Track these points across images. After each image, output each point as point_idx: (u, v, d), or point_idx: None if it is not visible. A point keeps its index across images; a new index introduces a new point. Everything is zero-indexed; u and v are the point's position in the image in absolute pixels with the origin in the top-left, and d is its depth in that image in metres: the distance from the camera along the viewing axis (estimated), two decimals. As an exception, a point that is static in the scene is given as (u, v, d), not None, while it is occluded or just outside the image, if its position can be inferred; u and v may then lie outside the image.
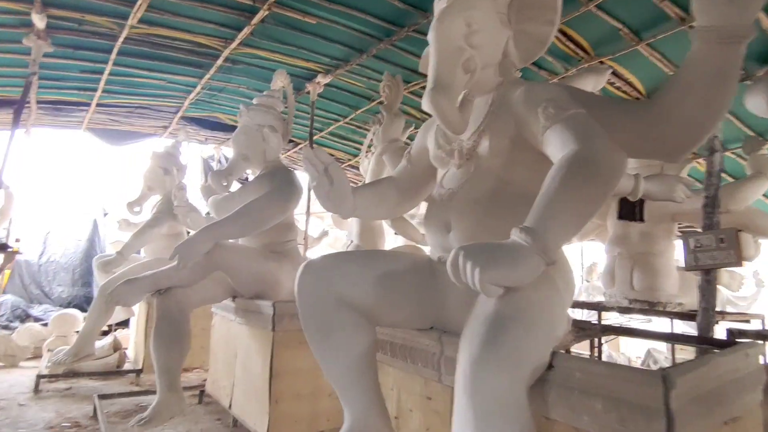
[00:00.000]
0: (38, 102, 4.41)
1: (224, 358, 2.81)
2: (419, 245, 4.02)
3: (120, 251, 3.56)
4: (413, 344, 1.36)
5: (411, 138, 4.15)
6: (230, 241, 2.43)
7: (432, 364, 1.29)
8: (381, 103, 4.77)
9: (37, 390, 2.97)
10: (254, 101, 2.78)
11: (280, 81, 2.89)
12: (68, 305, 6.02)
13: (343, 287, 1.25)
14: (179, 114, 5.06)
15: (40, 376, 3.05)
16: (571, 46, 3.04)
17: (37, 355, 4.19)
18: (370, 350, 1.30)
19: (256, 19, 3.09)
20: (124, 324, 5.09)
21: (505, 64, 1.34)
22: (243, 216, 2.29)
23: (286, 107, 2.86)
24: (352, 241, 4.04)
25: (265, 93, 2.83)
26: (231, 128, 5.52)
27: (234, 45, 3.47)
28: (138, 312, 4.07)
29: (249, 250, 2.47)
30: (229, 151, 6.72)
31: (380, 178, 1.70)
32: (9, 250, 2.78)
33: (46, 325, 5.48)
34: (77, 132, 5.54)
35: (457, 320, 1.26)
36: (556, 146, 1.07)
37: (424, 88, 1.41)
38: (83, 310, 6.17)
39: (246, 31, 3.25)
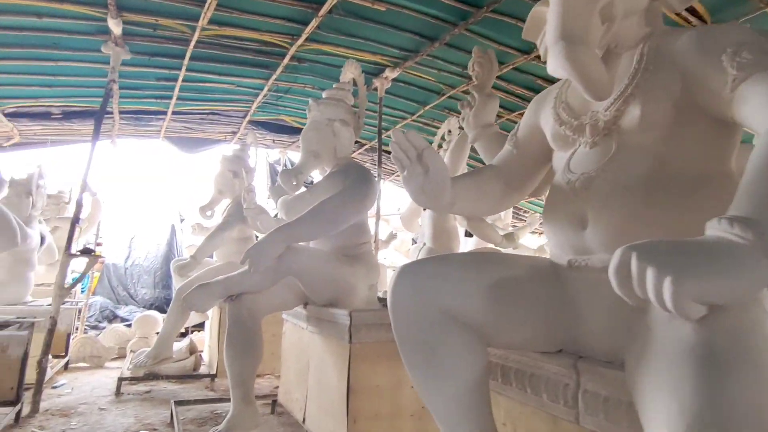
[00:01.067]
0: (120, 112, 4.61)
1: (296, 368, 2.66)
2: (499, 248, 3.69)
3: (193, 255, 3.57)
4: (535, 370, 1.08)
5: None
6: (302, 244, 2.27)
7: (564, 398, 1.00)
8: (451, 97, 4.53)
9: (118, 393, 3.01)
10: (324, 94, 2.62)
11: (350, 72, 2.71)
12: (150, 307, 6.31)
13: (449, 298, 0.99)
14: (247, 118, 5.09)
15: (121, 379, 3.09)
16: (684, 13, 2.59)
17: (121, 355, 4.35)
18: (483, 376, 1.04)
19: (323, 10, 2.94)
20: (200, 327, 5.20)
21: (653, 9, 1.03)
22: (317, 216, 2.11)
23: (357, 100, 2.68)
24: (424, 244, 3.80)
25: (334, 86, 2.67)
26: (297, 131, 5.50)
27: (300, 41, 3.36)
28: (212, 316, 4.09)
29: (321, 253, 2.29)
30: (294, 155, 6.74)
31: (481, 167, 1.42)
32: (92, 254, 2.82)
33: (130, 325, 5.77)
34: (156, 141, 5.81)
35: (599, 343, 0.97)
36: (761, 104, 0.76)
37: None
38: (164, 311, 6.46)
39: (313, 24, 3.12)
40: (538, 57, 3.35)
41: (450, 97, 4.33)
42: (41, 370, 2.69)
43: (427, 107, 4.58)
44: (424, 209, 3.89)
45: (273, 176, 6.90)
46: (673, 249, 0.61)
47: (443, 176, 1.12)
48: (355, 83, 2.74)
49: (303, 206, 2.39)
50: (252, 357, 2.26)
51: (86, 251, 2.85)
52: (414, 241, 6.58)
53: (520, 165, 1.32)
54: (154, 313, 4.58)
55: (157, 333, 4.79)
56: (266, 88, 4.26)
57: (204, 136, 5.72)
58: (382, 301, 2.69)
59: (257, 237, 3.86)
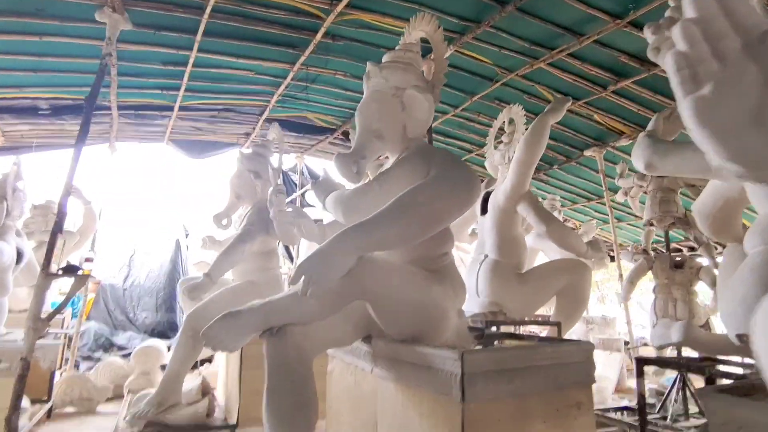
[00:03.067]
0: (120, 108, 3.98)
1: (354, 425, 1.96)
2: (582, 259, 3.00)
3: (208, 273, 2.88)
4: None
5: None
6: (377, 254, 1.59)
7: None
8: (507, 85, 3.88)
9: (113, 455, 2.30)
10: (386, 57, 1.97)
11: (420, 28, 2.06)
12: (152, 332, 5.59)
13: None
14: (264, 114, 4.46)
15: (117, 435, 2.38)
16: None
17: (117, 395, 3.63)
18: None
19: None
20: (208, 359, 4.48)
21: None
22: (405, 212, 1.43)
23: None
24: (486, 256, 3.11)
25: (399, 46, 2.03)
26: (320, 131, 4.87)
27: (340, 6, 2.73)
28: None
29: (404, 267, 1.61)
30: (311, 161, 6.10)
31: None
32: (79, 272, 2.15)
33: (129, 355, 5.04)
34: (159, 145, 5.18)
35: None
36: None
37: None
38: (167, 337, 5.73)
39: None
40: (631, 23, 2.75)
41: (505, 84, 3.70)
42: (11, 431, 1.99)
43: (475, 98, 3.95)
44: (482, 213, 3.23)
45: (288, 185, 6.24)
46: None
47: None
48: (426, 43, 2.10)
49: (370, 203, 1.72)
50: (305, 417, 1.57)
51: (70, 269, 2.17)
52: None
53: None
54: (157, 342, 3.87)
55: (162, 367, 4.08)
56: (291, 75, 3.63)
57: (214, 139, 5.09)
58: (474, 331, 2.00)
59: (288, 250, 3.18)
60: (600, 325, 5.80)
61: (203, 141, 5.12)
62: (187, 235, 6.53)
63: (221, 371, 3.55)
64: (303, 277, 1.40)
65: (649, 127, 2.08)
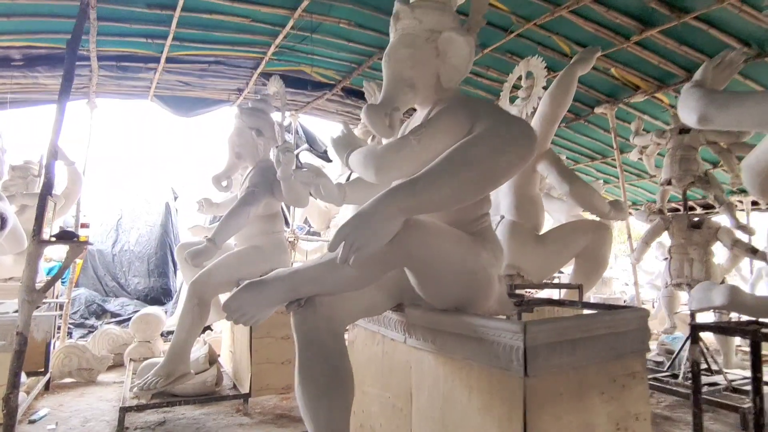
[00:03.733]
0: (100, 59, 3.63)
1: (382, 398, 1.86)
2: (607, 219, 2.90)
3: (211, 238, 2.69)
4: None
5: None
6: (422, 217, 1.42)
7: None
8: (522, 36, 3.59)
9: (122, 428, 2.18)
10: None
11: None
12: (145, 298, 5.43)
13: None
14: (259, 69, 4.14)
15: (124, 409, 2.26)
16: None
17: (118, 363, 3.51)
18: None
19: None
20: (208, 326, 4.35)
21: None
22: (460, 170, 1.26)
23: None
24: (503, 217, 2.99)
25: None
26: (318, 86, 4.58)
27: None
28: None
29: (451, 231, 1.46)
30: (307, 120, 5.80)
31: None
32: (75, 239, 1.94)
33: (126, 322, 4.89)
34: (143, 102, 4.82)
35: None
36: None
37: None
38: (161, 303, 5.59)
39: None
40: None
41: (519, 36, 3.46)
42: (10, 410, 1.85)
43: (486, 50, 3.70)
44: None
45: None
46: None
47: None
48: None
49: (407, 160, 1.54)
50: (342, 395, 1.46)
51: (65, 236, 1.97)
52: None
53: None
54: (155, 310, 3.72)
55: (163, 336, 3.95)
56: (291, 23, 3.32)
57: (204, 95, 4.75)
58: (515, 298, 1.89)
59: (287, 212, 3.00)
60: (597, 285, 5.85)
61: (191, 97, 4.78)
62: (176, 198, 6.26)
63: (225, 338, 3.44)
64: (343, 243, 1.24)
65: (697, 76, 1.92)
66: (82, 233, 2.26)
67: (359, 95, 4.73)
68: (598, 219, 3.07)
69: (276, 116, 3.19)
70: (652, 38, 3.15)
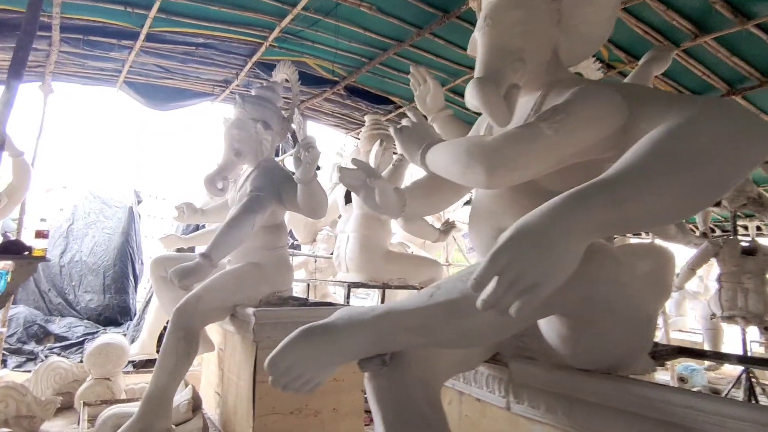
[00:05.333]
0: (63, 29, 2.99)
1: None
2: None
3: (206, 254, 2.11)
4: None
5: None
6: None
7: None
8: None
9: None
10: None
11: None
12: (98, 318, 4.64)
13: None
14: (255, 57, 3.60)
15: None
16: None
17: (67, 404, 2.80)
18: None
19: None
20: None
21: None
22: (683, 166, 0.80)
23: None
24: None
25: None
26: (317, 82, 4.08)
27: None
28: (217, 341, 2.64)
29: (629, 261, 1.01)
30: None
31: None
32: (26, 253, 1.35)
33: (74, 347, 4.12)
34: (108, 91, 4.14)
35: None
36: None
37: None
38: (118, 324, 4.80)
39: None
40: None
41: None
42: None
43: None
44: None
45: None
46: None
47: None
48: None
49: (543, 155, 1.10)
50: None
51: (13, 248, 1.37)
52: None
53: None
54: (116, 338, 3.03)
55: (127, 371, 3.27)
56: (303, 1, 2.83)
57: (184, 85, 4.13)
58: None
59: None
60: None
61: (169, 87, 4.15)
62: (139, 202, 5.50)
63: (208, 375, 2.82)
64: (499, 277, 0.77)
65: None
66: (37, 245, 1.66)
67: (362, 95, 4.27)
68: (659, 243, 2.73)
69: (281, 107, 2.67)
70: (704, 45, 2.89)
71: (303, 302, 2.59)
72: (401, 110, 4.51)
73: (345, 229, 3.75)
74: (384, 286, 3.51)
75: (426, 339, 0.96)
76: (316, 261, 5.05)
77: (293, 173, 2.22)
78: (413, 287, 3.66)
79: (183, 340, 2.09)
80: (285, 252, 2.63)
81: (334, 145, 6.01)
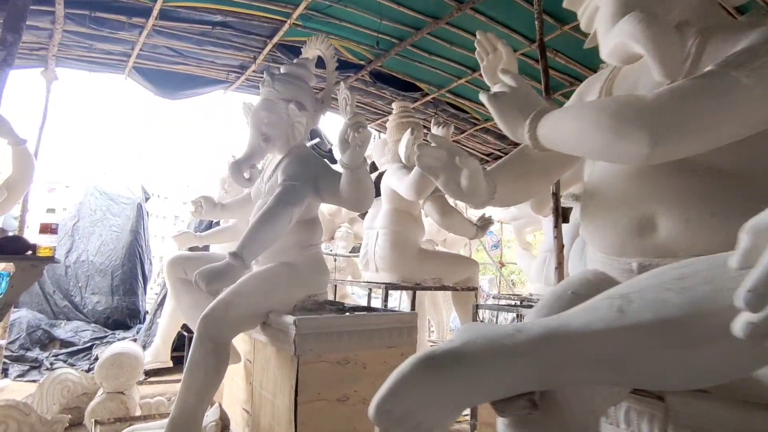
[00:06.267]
0: (68, 3, 2.69)
1: None
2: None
3: (236, 253, 1.81)
4: None
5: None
6: None
7: None
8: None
9: None
10: None
11: None
12: (106, 321, 4.36)
13: None
14: (277, 37, 3.29)
15: None
16: None
17: (76, 421, 2.52)
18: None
19: None
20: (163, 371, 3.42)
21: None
22: None
23: None
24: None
25: None
26: (345, 66, 3.77)
27: None
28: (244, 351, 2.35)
29: None
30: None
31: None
32: (30, 252, 1.06)
33: (81, 353, 3.84)
34: (116, 78, 3.85)
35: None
36: None
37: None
38: (127, 327, 4.52)
39: None
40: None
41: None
42: None
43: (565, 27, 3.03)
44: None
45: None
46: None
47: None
48: None
49: (733, 112, 0.80)
50: None
51: (11, 245, 1.07)
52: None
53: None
54: (130, 346, 2.74)
55: (141, 382, 2.98)
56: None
57: (197, 72, 3.83)
58: None
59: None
60: None
61: (180, 74, 3.85)
62: (147, 199, 5.21)
63: (233, 389, 2.52)
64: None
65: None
66: (43, 242, 1.36)
67: (388, 81, 3.97)
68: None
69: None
70: None
71: (341, 307, 2.30)
72: (429, 98, 4.21)
73: (373, 225, 3.46)
74: (416, 287, 3.22)
75: (622, 376, 0.66)
76: (336, 260, 4.75)
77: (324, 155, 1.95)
78: (450, 288, 3.36)
79: (212, 353, 1.79)
80: (320, 250, 2.33)
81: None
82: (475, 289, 3.30)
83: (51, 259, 1.37)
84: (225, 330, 1.88)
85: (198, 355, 1.78)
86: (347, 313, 2.09)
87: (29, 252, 1.10)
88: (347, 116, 1.83)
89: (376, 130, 5.41)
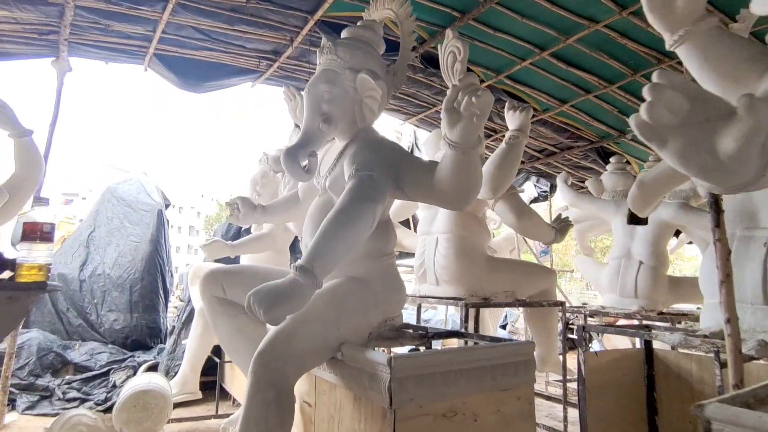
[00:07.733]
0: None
1: None
2: None
3: (306, 266, 1.31)
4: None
5: None
6: None
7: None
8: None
9: None
10: None
11: None
12: (125, 342, 3.91)
13: None
14: (318, 14, 2.83)
15: None
16: None
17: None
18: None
19: None
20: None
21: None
22: None
23: None
24: (641, 263, 1.77)
25: None
26: (389, 47, 3.30)
27: None
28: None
29: None
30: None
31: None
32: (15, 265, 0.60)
33: (98, 379, 3.40)
34: (136, 70, 3.43)
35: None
36: None
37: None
38: (147, 347, 4.07)
39: None
40: None
41: None
42: None
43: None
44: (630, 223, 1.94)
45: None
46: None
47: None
48: None
49: None
50: None
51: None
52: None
53: None
54: (157, 381, 2.27)
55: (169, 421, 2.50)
56: None
57: (225, 59, 3.40)
58: None
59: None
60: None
61: (206, 62, 3.42)
62: (167, 206, 4.79)
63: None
64: None
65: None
66: (28, 257, 0.92)
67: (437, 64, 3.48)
68: None
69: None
70: None
71: (424, 333, 1.80)
72: (484, 85, 3.72)
73: (431, 230, 2.94)
74: (484, 304, 2.68)
75: None
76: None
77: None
78: (525, 303, 2.83)
79: (274, 404, 1.30)
80: (394, 261, 1.83)
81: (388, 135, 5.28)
82: (562, 303, 2.76)
83: (41, 287, 0.84)
84: (289, 370, 1.38)
85: (256, 408, 1.29)
86: (439, 343, 1.59)
87: (2, 273, 0.64)
88: (456, 77, 1.34)
89: (415, 125, 4.94)
